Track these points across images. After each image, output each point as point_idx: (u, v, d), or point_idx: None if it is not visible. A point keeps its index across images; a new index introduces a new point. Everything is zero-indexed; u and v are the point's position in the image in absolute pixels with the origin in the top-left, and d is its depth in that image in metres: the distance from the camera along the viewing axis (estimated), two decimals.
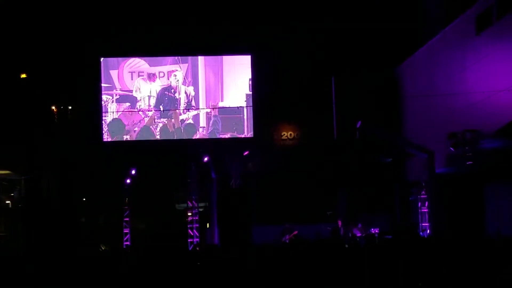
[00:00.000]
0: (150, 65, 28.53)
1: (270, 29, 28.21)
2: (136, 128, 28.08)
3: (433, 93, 23.17)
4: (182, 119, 28.44)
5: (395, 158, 27.16)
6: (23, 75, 28.02)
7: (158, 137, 28.22)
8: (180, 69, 28.50)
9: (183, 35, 28.46)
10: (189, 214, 29.01)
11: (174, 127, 28.27)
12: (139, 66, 28.47)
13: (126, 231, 28.33)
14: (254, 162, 29.11)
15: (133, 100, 28.34)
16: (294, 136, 29.31)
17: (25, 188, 28.87)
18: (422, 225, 24.50)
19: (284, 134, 29.30)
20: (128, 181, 28.30)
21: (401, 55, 27.05)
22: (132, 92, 28.28)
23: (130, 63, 28.44)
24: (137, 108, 28.10)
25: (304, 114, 28.85)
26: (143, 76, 28.30)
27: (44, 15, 28.08)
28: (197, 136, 28.35)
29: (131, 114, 27.99)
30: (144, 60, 28.52)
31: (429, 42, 24.62)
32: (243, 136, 28.80)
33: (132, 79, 28.37)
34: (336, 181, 28.51)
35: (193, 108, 28.37)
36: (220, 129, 28.60)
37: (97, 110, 28.15)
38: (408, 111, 26.73)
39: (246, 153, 28.34)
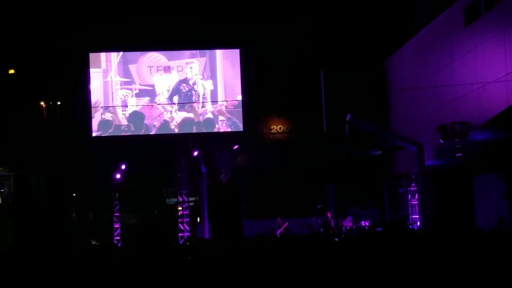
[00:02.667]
0: (168, 59, 28.43)
1: (259, 23, 28.17)
2: (155, 123, 27.99)
3: (422, 86, 23.23)
4: (201, 113, 28.31)
5: (384, 151, 27.24)
6: (11, 71, 27.89)
7: (176, 130, 28.04)
8: (197, 62, 28.40)
9: (170, 29, 28.38)
10: (180, 208, 29.04)
11: (194, 120, 28.17)
12: (157, 61, 28.39)
13: (116, 226, 28.30)
14: (243, 156, 29.12)
15: (153, 94, 28.23)
16: (283, 130, 29.32)
17: (15, 184, 28.78)
18: (412, 217, 24.61)
19: (273, 128, 29.30)
20: (118, 176, 28.25)
21: (390, 49, 27.09)
22: (151, 87, 28.18)
23: (149, 57, 28.35)
24: (155, 103, 28.01)
25: (294, 108, 28.86)
26: (161, 70, 28.22)
27: (33, 10, 27.95)
28: (216, 129, 28.21)
29: (150, 108, 27.89)
30: (162, 54, 28.41)
31: (417, 35, 24.67)
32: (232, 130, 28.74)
33: (150, 74, 28.29)
34: (325, 175, 28.58)
35: (205, 101, 28.20)
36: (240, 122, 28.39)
37: (86, 105, 28.00)
38: (397, 104, 26.79)
39: (235, 147, 28.35)
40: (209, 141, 28.33)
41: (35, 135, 28.66)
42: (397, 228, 22.96)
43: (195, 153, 27.63)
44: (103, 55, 28.12)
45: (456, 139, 20.41)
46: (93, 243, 28.87)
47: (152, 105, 27.92)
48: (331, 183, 29.18)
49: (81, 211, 32.73)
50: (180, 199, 28.94)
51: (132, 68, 28.18)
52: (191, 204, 30.29)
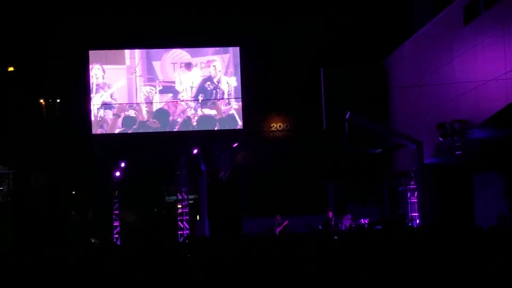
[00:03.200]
0: (191, 56, 28.48)
1: (259, 21, 28.17)
2: (179, 119, 28.04)
3: (421, 84, 23.24)
4: (224, 110, 28.36)
5: (384, 149, 27.25)
6: (11, 69, 27.89)
7: (196, 127, 28.13)
8: (220, 59, 28.44)
9: (169, 27, 28.39)
10: (179, 206, 29.04)
11: (216, 118, 28.24)
12: (181, 57, 28.42)
13: (116, 224, 28.30)
14: (243, 153, 29.13)
15: (176, 91, 28.27)
16: (283, 128, 29.34)
17: (14, 182, 28.78)
18: (411, 215, 24.62)
19: (273, 126, 29.32)
20: (117, 174, 28.25)
21: (390, 47, 27.08)
22: (174, 83, 28.23)
23: (172, 54, 28.42)
24: (179, 99, 28.07)
25: (294, 106, 28.89)
26: (183, 66, 28.27)
27: (33, 7, 27.93)
28: (239, 127, 28.30)
29: (176, 105, 27.98)
30: (185, 51, 28.45)
31: (417, 33, 24.66)
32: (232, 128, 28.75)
33: (174, 70, 28.34)
34: (325, 173, 28.59)
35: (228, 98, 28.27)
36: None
37: (85, 103, 28.00)
38: (396, 102, 26.78)
39: (235, 145, 28.35)
40: (209, 139, 28.34)
41: (35, 133, 28.67)
42: (396, 226, 22.97)
43: (195, 151, 27.64)
44: (127, 52, 28.28)
45: (455, 137, 20.41)
46: (93, 241, 28.89)
47: (176, 102, 27.98)
48: (331, 181, 29.19)
49: (80, 209, 32.75)
50: (180, 197, 28.95)
51: (156, 65, 28.25)
52: (191, 202, 30.31)
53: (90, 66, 27.85)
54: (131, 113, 27.94)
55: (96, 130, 27.77)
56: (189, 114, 28.21)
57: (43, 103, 28.98)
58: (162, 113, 28.18)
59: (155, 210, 35.27)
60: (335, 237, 20.57)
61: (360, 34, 28.13)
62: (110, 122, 27.79)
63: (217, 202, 25.14)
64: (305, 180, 28.81)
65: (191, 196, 30.40)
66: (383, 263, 9.98)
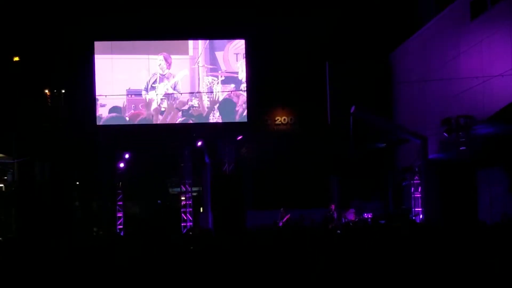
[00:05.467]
0: None
1: (265, 14, 28.12)
2: (240, 109, 28.17)
3: (427, 79, 23.19)
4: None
5: (388, 143, 27.21)
6: (16, 58, 27.88)
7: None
8: None
9: (175, 19, 28.33)
10: (183, 198, 29.09)
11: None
12: (243, 48, 28.45)
13: (119, 215, 28.35)
14: (247, 146, 29.13)
15: (238, 82, 28.28)
16: (288, 121, 29.33)
17: (18, 172, 28.81)
18: (415, 210, 24.61)
19: (278, 119, 29.31)
20: (121, 165, 28.28)
21: (395, 41, 27.03)
22: (237, 74, 28.23)
23: (235, 45, 28.46)
24: (241, 90, 28.14)
25: (298, 100, 28.87)
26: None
27: None
28: None
29: (238, 96, 28.07)
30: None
31: (423, 28, 24.60)
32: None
33: (237, 61, 28.35)
34: (329, 167, 28.58)
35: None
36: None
37: (90, 93, 28.00)
38: (402, 97, 26.75)
39: (239, 137, 28.35)
40: (213, 131, 28.35)
41: (40, 123, 28.67)
42: (400, 221, 22.94)
43: (199, 143, 27.65)
44: (190, 42, 28.36)
45: (460, 133, 20.37)
46: (95, 230, 28.97)
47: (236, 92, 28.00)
48: (335, 175, 29.17)
49: (84, 200, 32.77)
50: (184, 189, 28.99)
51: (219, 55, 28.28)
52: (195, 194, 30.34)
53: (157, 57, 27.93)
54: (195, 102, 27.91)
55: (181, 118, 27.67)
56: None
57: (48, 93, 28.97)
58: (227, 103, 28.35)
59: (159, 201, 35.29)
60: (338, 232, 20.59)
61: (366, 29, 28.07)
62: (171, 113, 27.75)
63: (221, 195, 25.16)
64: (309, 174, 28.81)
65: (194, 188, 30.43)
66: (386, 257, 9.99)
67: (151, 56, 28.09)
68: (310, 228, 20.92)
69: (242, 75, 28.24)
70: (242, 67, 28.34)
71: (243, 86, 28.24)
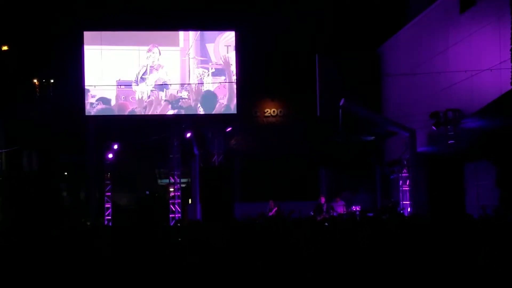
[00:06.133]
0: None
1: (255, 5, 28.06)
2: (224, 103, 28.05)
3: (416, 72, 23.24)
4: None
5: (377, 136, 27.28)
6: (4, 47, 27.73)
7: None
8: None
9: (166, 9, 28.23)
10: (171, 189, 29.08)
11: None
12: (234, 40, 28.30)
13: (107, 206, 28.31)
14: (236, 138, 29.12)
15: (229, 74, 28.17)
16: (277, 113, 29.34)
17: (6, 162, 28.71)
18: (403, 203, 24.70)
19: (267, 111, 29.32)
20: (110, 156, 28.22)
21: (385, 34, 27.06)
22: (228, 66, 28.15)
23: (226, 37, 28.28)
24: (232, 82, 28.02)
25: (288, 92, 28.87)
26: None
27: None
28: None
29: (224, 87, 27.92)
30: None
31: (412, 21, 24.64)
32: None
33: (227, 52, 28.20)
34: (318, 159, 28.63)
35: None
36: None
37: (79, 84, 27.87)
38: (390, 90, 26.80)
39: (229, 129, 28.32)
40: (202, 123, 28.30)
41: (28, 113, 28.55)
42: (388, 213, 23.02)
43: (188, 135, 27.62)
44: (181, 33, 28.18)
45: (448, 126, 20.46)
46: (83, 220, 28.93)
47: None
48: (324, 168, 29.24)
49: (72, 190, 32.72)
50: (172, 180, 28.98)
51: (209, 47, 28.15)
52: (183, 185, 30.34)
53: (147, 48, 27.81)
54: (184, 94, 27.79)
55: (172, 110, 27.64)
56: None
57: (36, 83, 28.85)
58: (208, 95, 28.13)
59: (147, 192, 35.27)
60: (326, 224, 20.62)
61: (356, 22, 28.08)
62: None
63: (210, 186, 25.15)
64: (297, 166, 28.85)
65: (183, 180, 30.42)
66: (373, 250, 10.02)
67: (141, 47, 27.98)
68: (298, 220, 20.93)
69: (233, 67, 28.17)
70: (233, 59, 28.25)
71: (234, 78, 28.14)
